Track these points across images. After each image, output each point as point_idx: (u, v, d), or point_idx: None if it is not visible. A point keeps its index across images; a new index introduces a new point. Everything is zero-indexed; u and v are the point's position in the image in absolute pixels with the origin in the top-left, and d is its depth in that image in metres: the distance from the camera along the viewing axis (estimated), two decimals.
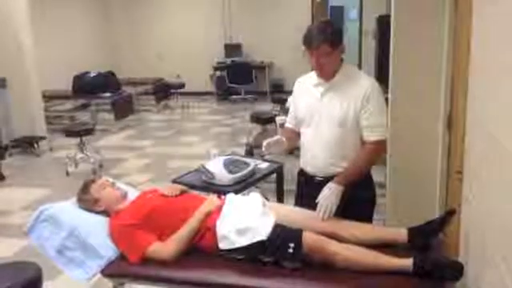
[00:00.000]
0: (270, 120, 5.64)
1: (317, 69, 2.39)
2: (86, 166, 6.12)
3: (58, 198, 2.73)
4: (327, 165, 2.44)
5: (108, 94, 8.14)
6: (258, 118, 6.04)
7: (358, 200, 2.42)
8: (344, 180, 2.34)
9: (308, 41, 2.31)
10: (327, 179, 2.39)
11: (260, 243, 2.17)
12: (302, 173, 2.57)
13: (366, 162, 2.42)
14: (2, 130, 6.58)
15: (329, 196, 2.32)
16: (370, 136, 2.37)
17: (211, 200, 2.50)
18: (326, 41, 2.27)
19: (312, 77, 2.50)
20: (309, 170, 2.54)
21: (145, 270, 2.23)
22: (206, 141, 7.32)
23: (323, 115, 2.41)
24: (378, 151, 2.43)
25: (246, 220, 2.28)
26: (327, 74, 2.39)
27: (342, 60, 2.42)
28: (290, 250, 2.13)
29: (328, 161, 2.44)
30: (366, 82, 2.38)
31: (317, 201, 2.33)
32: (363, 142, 2.39)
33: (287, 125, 2.68)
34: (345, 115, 2.36)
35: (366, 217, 2.51)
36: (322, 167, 2.47)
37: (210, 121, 8.94)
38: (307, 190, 2.47)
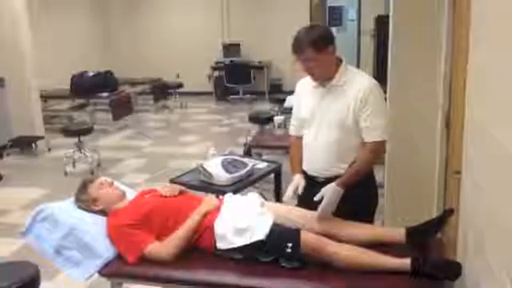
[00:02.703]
0: (269, 120, 5.64)
1: (307, 73, 2.39)
2: (84, 165, 6.11)
3: (56, 198, 2.72)
4: (327, 166, 2.44)
5: (106, 94, 8.11)
6: (256, 118, 6.04)
7: (360, 201, 2.42)
8: (344, 182, 2.33)
9: (294, 47, 2.32)
10: (328, 180, 2.39)
11: (258, 243, 2.18)
12: (303, 174, 2.56)
13: (365, 164, 2.40)
14: (0, 129, 6.57)
15: (328, 198, 2.31)
16: (369, 137, 2.35)
17: (209, 200, 2.50)
18: (309, 45, 2.26)
19: None
20: (310, 171, 2.53)
21: (143, 269, 2.23)
22: (204, 141, 7.31)
23: (323, 116, 2.41)
24: (376, 152, 2.41)
25: (244, 220, 2.28)
26: (318, 78, 2.38)
27: (341, 60, 2.41)
28: (288, 250, 2.13)
29: (328, 162, 2.43)
30: (365, 83, 2.36)
31: (315, 199, 2.33)
32: (362, 143, 2.38)
33: (292, 133, 2.66)
34: (344, 116, 2.35)
35: (367, 218, 2.51)
36: (322, 168, 2.46)
37: (209, 121, 8.93)
38: (308, 191, 2.46)
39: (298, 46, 2.29)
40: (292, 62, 2.37)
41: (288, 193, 2.48)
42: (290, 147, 2.69)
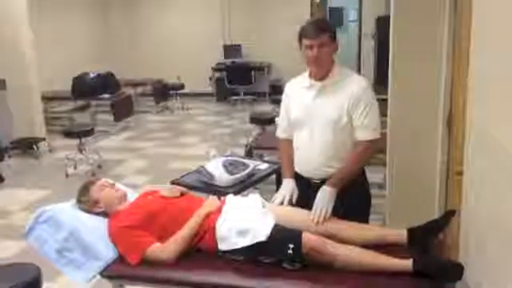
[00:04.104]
0: (270, 121, 5.64)
1: (314, 61, 2.36)
2: (86, 167, 6.11)
3: (58, 200, 2.72)
4: (322, 166, 2.44)
5: (107, 95, 8.11)
6: (257, 119, 6.05)
7: (353, 200, 2.42)
8: (337, 182, 2.35)
9: (308, 30, 2.33)
10: (323, 181, 2.40)
11: (260, 244, 2.17)
12: (297, 176, 2.56)
13: (358, 163, 2.42)
14: (2, 131, 6.57)
15: (323, 199, 2.32)
16: (361, 136, 2.37)
17: (211, 201, 2.50)
18: (328, 31, 2.32)
19: (304, 79, 2.49)
20: (304, 172, 2.53)
21: (144, 271, 2.23)
22: (205, 142, 7.31)
23: (316, 117, 2.41)
24: (369, 151, 2.42)
25: (245, 221, 2.28)
26: (322, 67, 2.38)
27: (333, 61, 2.42)
28: (290, 251, 2.13)
29: (323, 162, 2.43)
30: (357, 82, 2.38)
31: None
32: (355, 142, 2.39)
33: (281, 135, 2.65)
34: (337, 116, 2.36)
35: (362, 216, 2.51)
36: (317, 169, 2.46)
37: (210, 122, 8.93)
38: (304, 192, 2.46)
39: (316, 29, 2.32)
40: (297, 60, 2.36)
41: (276, 200, 2.47)
42: (279, 150, 2.69)
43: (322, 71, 2.40)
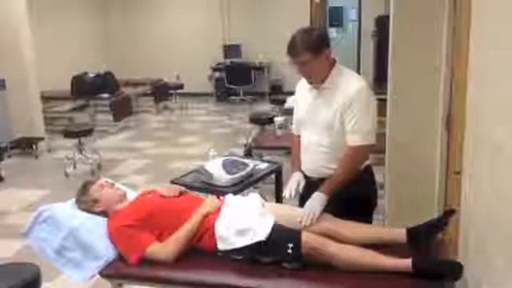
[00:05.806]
0: (269, 121, 5.64)
1: (302, 76, 2.41)
2: (85, 166, 6.11)
3: (57, 199, 2.72)
4: (319, 167, 2.46)
5: (107, 95, 8.11)
6: (256, 119, 6.05)
7: (357, 200, 2.42)
8: (327, 188, 2.35)
9: (290, 50, 2.31)
10: (323, 181, 2.41)
11: (259, 244, 2.18)
12: (303, 174, 2.57)
13: (349, 168, 2.39)
14: (1, 131, 6.57)
15: (311, 204, 2.33)
16: (352, 140, 2.35)
17: (210, 201, 2.50)
18: (306, 49, 2.26)
19: None
20: (306, 171, 2.55)
21: (143, 270, 2.23)
22: (204, 141, 7.31)
23: (314, 118, 2.43)
24: (360, 156, 2.41)
25: (245, 221, 2.28)
26: (313, 80, 2.39)
27: (334, 61, 2.41)
28: (289, 251, 2.13)
29: (320, 163, 2.45)
30: (353, 86, 2.34)
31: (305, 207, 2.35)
32: (347, 146, 2.38)
33: (295, 132, 2.68)
34: (332, 119, 2.35)
35: (365, 217, 2.51)
36: (315, 169, 2.49)
37: (209, 122, 8.93)
38: (306, 191, 2.47)
39: (294, 50, 2.29)
40: (289, 63, 2.36)
41: (285, 193, 2.49)
42: (292, 144, 2.72)
43: (314, 81, 2.40)
